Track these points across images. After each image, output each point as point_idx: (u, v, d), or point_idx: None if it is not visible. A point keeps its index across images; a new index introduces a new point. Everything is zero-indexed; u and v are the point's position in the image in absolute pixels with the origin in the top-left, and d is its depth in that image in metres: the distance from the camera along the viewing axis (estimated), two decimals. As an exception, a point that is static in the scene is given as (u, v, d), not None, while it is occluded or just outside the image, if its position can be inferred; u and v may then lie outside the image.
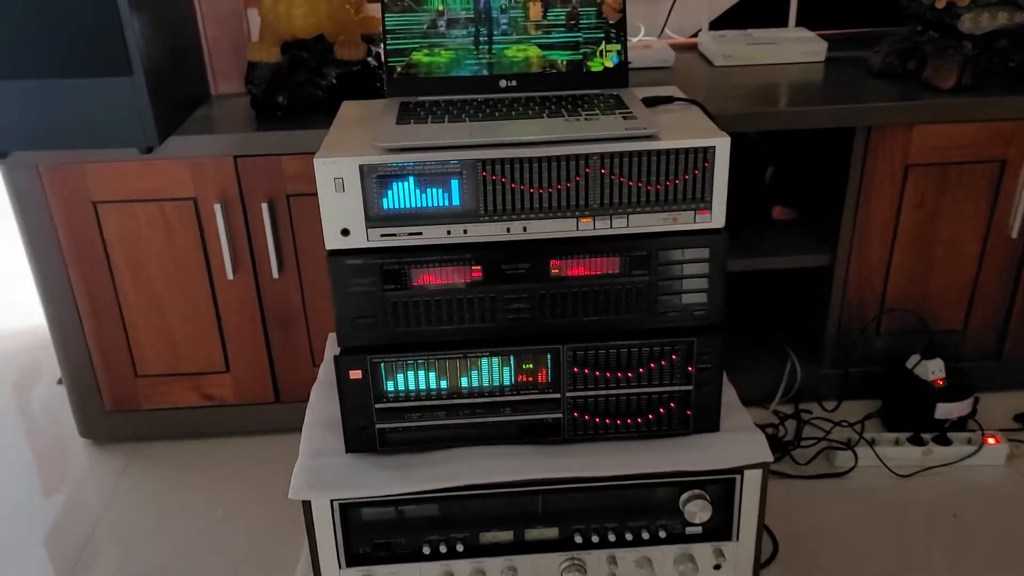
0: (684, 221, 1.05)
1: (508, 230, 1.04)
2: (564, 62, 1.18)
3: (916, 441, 1.69)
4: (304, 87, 1.61)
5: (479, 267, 1.06)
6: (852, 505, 1.60)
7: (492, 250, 1.06)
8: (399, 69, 1.17)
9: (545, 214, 1.04)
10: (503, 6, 1.17)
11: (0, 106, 1.46)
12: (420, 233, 1.04)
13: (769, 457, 1.12)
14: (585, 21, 1.18)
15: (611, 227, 1.05)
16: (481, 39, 1.17)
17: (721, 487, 1.14)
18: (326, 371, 1.35)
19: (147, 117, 1.50)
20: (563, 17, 1.18)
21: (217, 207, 1.62)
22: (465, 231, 1.04)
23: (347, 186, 1.01)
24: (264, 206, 1.62)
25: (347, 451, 1.15)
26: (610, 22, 1.18)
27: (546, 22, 1.18)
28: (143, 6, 1.46)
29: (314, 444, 1.18)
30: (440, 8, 1.16)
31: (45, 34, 1.42)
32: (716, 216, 1.05)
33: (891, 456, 1.67)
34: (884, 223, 1.71)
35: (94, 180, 1.61)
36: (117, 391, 1.81)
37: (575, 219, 1.04)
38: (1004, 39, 1.64)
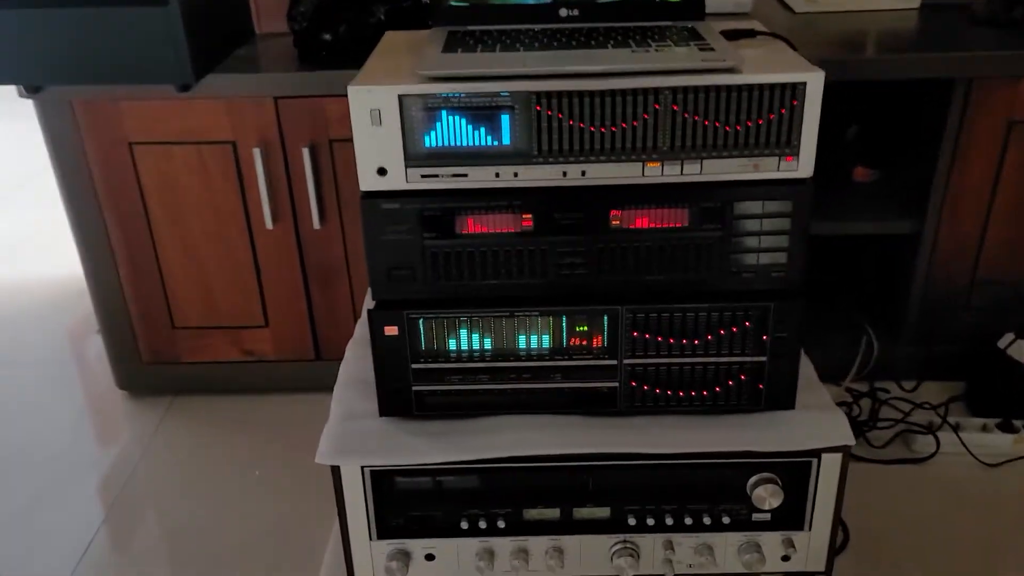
0: (766, 169, 0.92)
1: (564, 174, 0.92)
2: (632, -16, 1.05)
3: (1007, 428, 1.54)
4: (350, 24, 1.50)
5: (530, 215, 0.94)
6: (932, 494, 1.46)
7: (545, 196, 0.94)
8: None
9: (607, 157, 0.92)
10: (568, -75, 1.04)
11: (31, 36, 1.38)
12: (465, 175, 0.93)
13: (851, 440, 1.00)
14: (658, -57, 1.04)
15: (682, 174, 0.92)
16: (542, -39, 1.04)
17: (794, 471, 1.02)
18: (362, 327, 1.25)
19: (183, 52, 1.41)
20: (633, -62, 1.05)
21: (256, 151, 1.53)
22: (516, 174, 0.92)
23: (385, 119, 0.90)
24: (306, 151, 1.53)
25: (380, 415, 1.05)
26: (686, -56, 1.04)
27: (614, -57, 1.05)
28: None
29: (346, 406, 1.08)
30: (498, -74, 1.04)
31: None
32: (803, 164, 0.92)
33: (977, 443, 1.53)
34: (981, 186, 1.55)
35: (130, 120, 1.53)
36: (154, 343, 1.74)
37: (641, 164, 0.92)
38: None
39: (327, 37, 1.51)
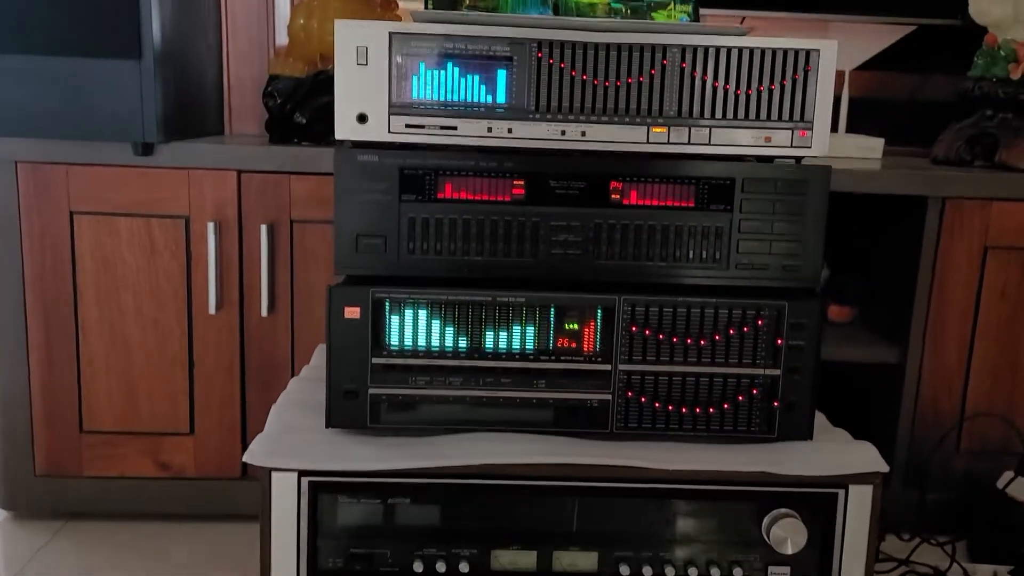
0: (779, 143, 0.86)
1: (563, 133, 0.85)
2: (627, 9, 1.04)
3: None
4: (326, 109, 1.46)
5: (522, 181, 0.85)
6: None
7: (540, 160, 0.85)
8: (467, 2, 1.03)
9: (610, 117, 0.85)
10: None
11: (-9, 82, 1.32)
12: (454, 128, 0.84)
13: (883, 466, 0.85)
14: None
15: (689, 142, 0.85)
16: (545, -18, 1.05)
17: (817, 507, 0.85)
18: (311, 369, 1.09)
19: (150, 109, 1.35)
20: (628, -30, 1.06)
21: (210, 226, 1.43)
22: (510, 130, 0.85)
23: (372, 59, 0.83)
24: (264, 228, 1.43)
25: (327, 425, 0.88)
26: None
27: (610, -27, 1.05)
28: (167, -10, 1.37)
29: (285, 420, 0.91)
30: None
31: (46, 7, 1.30)
32: (818, 141, 0.86)
33: (991, 591, 1.35)
34: (962, 314, 1.50)
35: (77, 186, 1.43)
36: (54, 451, 1.51)
37: (646, 127, 0.85)
38: (1085, 121, 1.52)
39: (299, 118, 1.48)
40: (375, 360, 0.86)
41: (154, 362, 1.48)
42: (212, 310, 1.45)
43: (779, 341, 0.87)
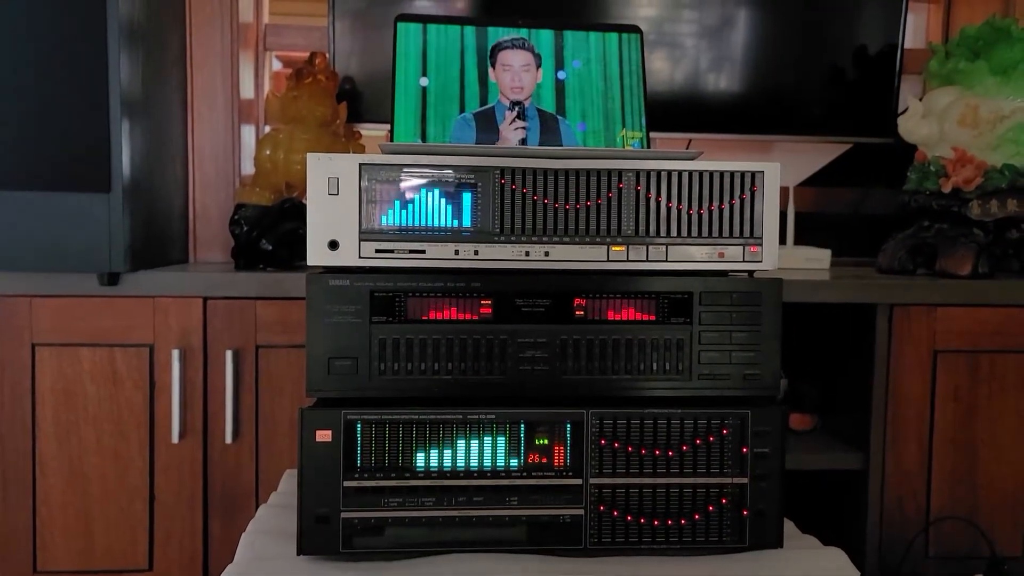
0: (732, 258, 0.90)
1: (527, 254, 0.88)
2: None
3: None
4: (292, 235, 1.50)
5: (489, 300, 0.88)
6: None
7: (506, 280, 0.89)
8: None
9: (571, 238, 0.89)
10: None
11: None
12: (423, 251, 0.87)
13: (855, 573, 0.86)
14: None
15: (647, 259, 0.89)
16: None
17: (794, 619, 0.86)
18: (279, 496, 1.08)
19: (118, 240, 1.37)
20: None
21: (175, 353, 1.43)
22: (476, 252, 0.88)
23: (343, 188, 0.87)
24: (229, 354, 1.43)
25: (299, 552, 0.87)
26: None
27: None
28: (136, 126, 1.41)
29: (255, 549, 0.90)
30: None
31: (18, 144, 1.33)
32: (768, 255, 0.91)
33: None
34: (918, 418, 1.54)
35: (39, 317, 1.43)
36: (5, 593, 1.45)
37: (605, 247, 0.89)
38: (1015, 230, 1.61)
39: (266, 245, 1.50)
40: (347, 483, 0.86)
41: (113, 496, 1.45)
42: (175, 439, 1.43)
43: (744, 449, 0.89)
